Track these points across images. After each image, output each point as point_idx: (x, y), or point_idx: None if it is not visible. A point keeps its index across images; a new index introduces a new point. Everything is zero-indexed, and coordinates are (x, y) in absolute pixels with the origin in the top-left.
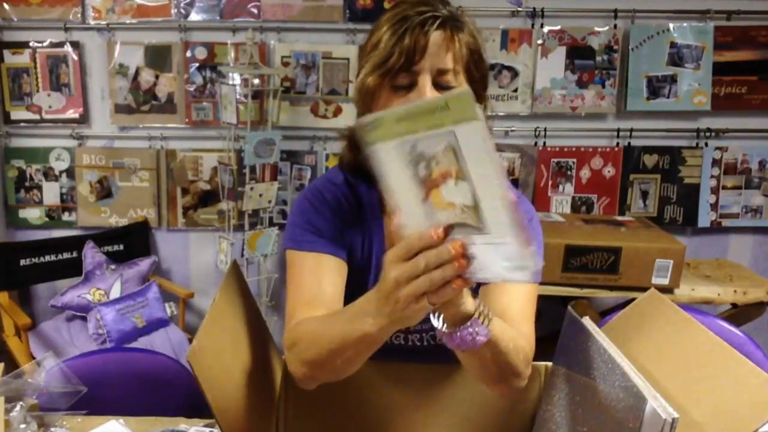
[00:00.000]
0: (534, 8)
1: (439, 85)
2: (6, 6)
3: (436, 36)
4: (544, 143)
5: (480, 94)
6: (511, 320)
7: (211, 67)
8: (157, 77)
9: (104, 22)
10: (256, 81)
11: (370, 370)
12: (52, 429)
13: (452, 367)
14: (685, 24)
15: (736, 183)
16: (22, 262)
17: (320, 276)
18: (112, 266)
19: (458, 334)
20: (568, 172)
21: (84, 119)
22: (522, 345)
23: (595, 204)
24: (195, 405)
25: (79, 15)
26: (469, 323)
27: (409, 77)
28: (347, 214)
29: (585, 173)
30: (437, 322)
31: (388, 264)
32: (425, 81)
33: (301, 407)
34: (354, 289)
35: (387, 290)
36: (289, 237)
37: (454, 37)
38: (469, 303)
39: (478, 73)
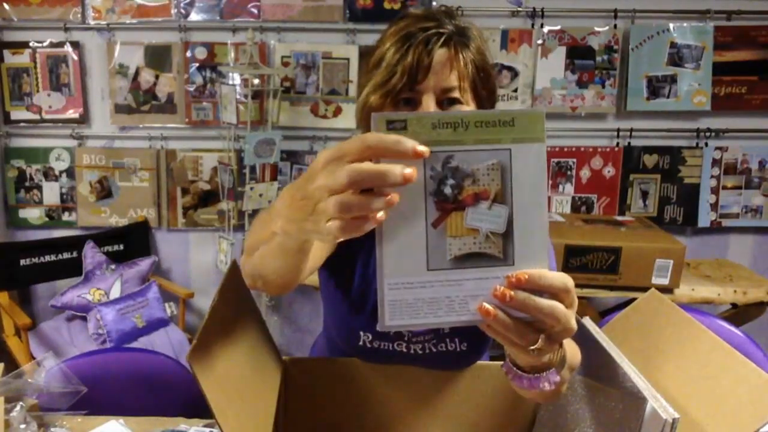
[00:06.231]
0: (534, 8)
1: (444, 103)
2: (6, 6)
3: (440, 54)
4: None
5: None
6: None
7: (211, 67)
8: (157, 77)
9: (104, 22)
10: (256, 81)
11: (371, 372)
12: (52, 429)
13: (453, 371)
14: (685, 24)
15: (736, 183)
16: (22, 262)
17: None
18: (112, 266)
19: (527, 380)
20: (568, 172)
21: (84, 119)
22: (577, 358)
23: (595, 204)
24: (195, 405)
25: (79, 15)
26: (545, 374)
27: (412, 94)
28: None
29: (585, 173)
30: (506, 364)
31: (321, 166)
32: (429, 101)
33: (301, 408)
34: (346, 268)
35: (304, 194)
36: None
37: (459, 54)
38: (547, 357)
39: (485, 90)
